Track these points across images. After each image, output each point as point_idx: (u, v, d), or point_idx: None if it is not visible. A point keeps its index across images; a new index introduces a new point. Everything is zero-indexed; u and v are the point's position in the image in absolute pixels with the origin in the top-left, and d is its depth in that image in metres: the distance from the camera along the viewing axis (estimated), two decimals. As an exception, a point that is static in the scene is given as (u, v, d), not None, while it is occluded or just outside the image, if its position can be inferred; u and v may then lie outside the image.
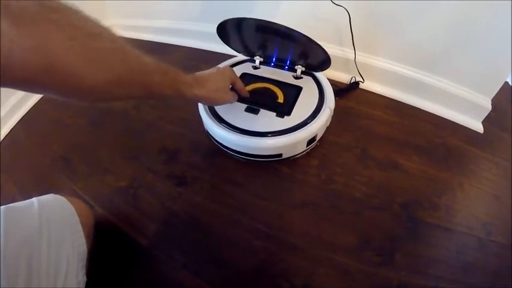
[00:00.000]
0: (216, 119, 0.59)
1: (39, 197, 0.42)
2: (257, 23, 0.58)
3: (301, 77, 0.66)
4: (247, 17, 0.57)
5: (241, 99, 0.61)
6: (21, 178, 0.66)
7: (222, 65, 0.70)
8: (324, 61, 0.61)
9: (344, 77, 0.80)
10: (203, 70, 0.52)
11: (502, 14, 0.54)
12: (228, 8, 0.82)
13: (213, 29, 0.62)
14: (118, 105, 0.81)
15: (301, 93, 0.62)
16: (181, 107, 0.76)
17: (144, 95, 0.39)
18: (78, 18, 0.28)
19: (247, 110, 0.59)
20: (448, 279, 0.47)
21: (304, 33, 0.55)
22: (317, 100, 0.61)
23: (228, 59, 0.73)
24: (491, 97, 0.67)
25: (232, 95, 0.57)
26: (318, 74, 0.67)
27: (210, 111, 0.60)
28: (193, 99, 0.50)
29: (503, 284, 0.47)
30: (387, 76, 0.75)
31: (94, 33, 0.29)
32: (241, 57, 0.73)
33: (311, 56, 0.63)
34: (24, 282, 0.32)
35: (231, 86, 0.57)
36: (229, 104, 0.60)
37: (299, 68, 0.66)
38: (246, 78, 0.67)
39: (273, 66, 0.70)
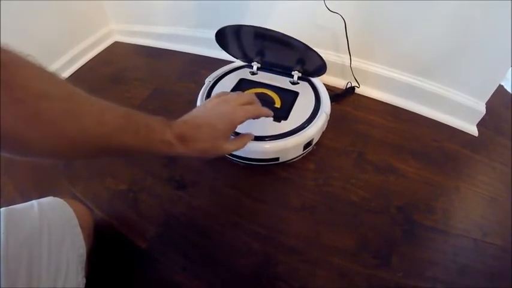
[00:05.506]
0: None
1: (39, 200, 0.43)
2: (255, 30, 0.59)
3: (298, 83, 0.67)
4: (245, 24, 0.58)
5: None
6: (21, 181, 0.66)
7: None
8: (320, 67, 0.62)
9: (340, 83, 0.81)
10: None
11: (496, 20, 0.56)
12: (227, 15, 0.84)
13: (212, 35, 0.64)
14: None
15: (298, 98, 0.63)
16: (181, 111, 0.77)
17: (114, 155, 0.33)
18: (29, 76, 0.24)
19: (245, 114, 0.60)
20: (444, 281, 0.47)
21: (300, 40, 0.56)
22: (313, 105, 0.62)
23: (226, 64, 0.74)
24: (485, 101, 0.68)
25: (233, 145, 0.44)
26: (315, 80, 0.68)
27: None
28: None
29: (499, 286, 0.47)
30: (383, 81, 0.76)
31: (43, 93, 0.25)
32: (239, 62, 0.74)
33: (307, 62, 0.65)
34: (25, 283, 0.32)
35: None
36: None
37: (296, 74, 0.67)
38: (244, 83, 0.68)
39: (271, 72, 0.71)
